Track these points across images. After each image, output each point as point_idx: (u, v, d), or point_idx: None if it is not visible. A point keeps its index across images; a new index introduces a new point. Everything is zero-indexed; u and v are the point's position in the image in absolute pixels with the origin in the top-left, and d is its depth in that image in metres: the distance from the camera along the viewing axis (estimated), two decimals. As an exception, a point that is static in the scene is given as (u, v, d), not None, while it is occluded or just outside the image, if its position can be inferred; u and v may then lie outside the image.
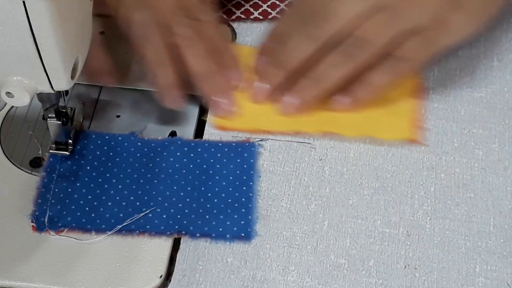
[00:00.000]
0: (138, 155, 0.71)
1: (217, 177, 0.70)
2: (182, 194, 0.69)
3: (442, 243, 0.68)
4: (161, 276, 0.65)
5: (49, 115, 0.69)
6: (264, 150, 0.73)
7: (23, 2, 0.56)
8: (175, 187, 0.70)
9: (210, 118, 0.75)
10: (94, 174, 0.70)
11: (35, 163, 0.72)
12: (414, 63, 0.73)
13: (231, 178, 0.70)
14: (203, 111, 0.76)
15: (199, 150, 0.72)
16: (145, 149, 0.72)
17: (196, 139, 0.73)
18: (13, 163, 0.72)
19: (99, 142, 0.72)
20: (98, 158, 0.71)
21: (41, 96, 0.67)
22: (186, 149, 0.72)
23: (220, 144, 0.72)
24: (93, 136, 0.72)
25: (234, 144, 0.72)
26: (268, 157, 0.73)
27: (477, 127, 0.75)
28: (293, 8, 0.76)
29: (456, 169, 0.72)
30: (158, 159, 0.71)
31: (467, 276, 0.66)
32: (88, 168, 0.70)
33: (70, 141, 0.71)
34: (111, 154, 0.71)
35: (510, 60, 0.80)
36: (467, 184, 0.71)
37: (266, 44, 0.77)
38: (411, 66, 0.73)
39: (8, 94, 0.62)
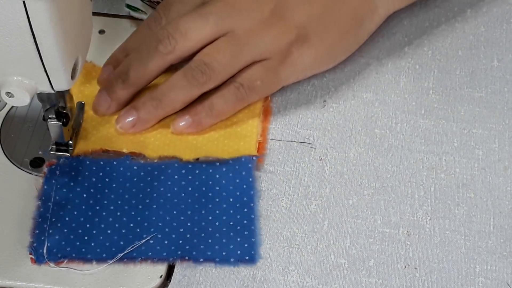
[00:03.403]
0: (135, 179, 0.69)
1: (217, 200, 0.69)
2: (182, 218, 0.67)
3: (442, 243, 0.68)
4: (161, 276, 0.65)
5: (50, 116, 0.69)
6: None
7: (23, 2, 0.56)
8: (175, 212, 0.68)
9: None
10: (91, 201, 0.68)
11: (35, 163, 0.71)
12: (258, 91, 0.73)
13: (231, 200, 0.69)
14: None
15: (197, 172, 0.70)
16: (142, 173, 0.70)
17: (194, 161, 0.71)
18: (13, 163, 0.72)
19: (94, 168, 0.70)
20: (94, 185, 0.69)
21: (41, 96, 0.67)
22: (183, 171, 0.70)
23: (218, 164, 0.70)
24: (87, 162, 0.70)
25: (231, 162, 0.70)
26: (268, 157, 0.73)
27: (477, 127, 0.75)
28: (145, 23, 0.76)
29: (456, 169, 0.72)
30: (156, 183, 0.69)
31: (467, 276, 0.66)
32: (84, 195, 0.68)
33: (70, 142, 0.71)
34: (107, 180, 0.69)
35: (510, 60, 0.80)
36: (467, 184, 0.71)
37: (115, 55, 0.75)
38: (254, 94, 0.73)
39: (8, 94, 0.62)
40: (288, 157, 0.73)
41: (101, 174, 0.70)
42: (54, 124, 0.69)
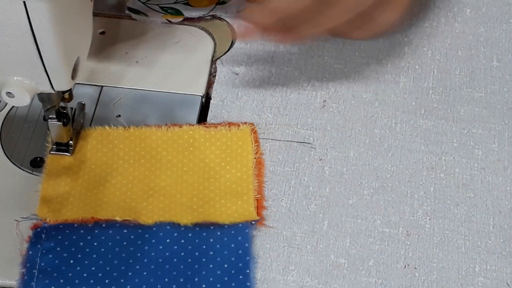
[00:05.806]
0: (125, 243, 0.66)
1: (211, 266, 0.65)
2: (174, 287, 0.64)
3: (441, 243, 0.68)
4: (161, 276, 0.65)
5: (50, 116, 0.69)
6: (264, 150, 0.73)
7: (24, 2, 0.56)
8: (166, 279, 0.64)
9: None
10: (78, 268, 0.64)
11: (35, 163, 0.72)
12: None
13: (226, 266, 0.65)
14: (204, 112, 0.77)
15: (190, 235, 0.67)
16: (132, 237, 0.66)
17: (187, 224, 0.68)
18: (13, 163, 0.72)
19: (82, 231, 0.66)
20: (82, 250, 0.65)
21: (41, 96, 0.67)
22: (176, 234, 0.66)
23: (212, 228, 0.67)
24: (75, 225, 0.67)
25: (227, 227, 0.67)
26: (268, 157, 0.73)
27: (477, 127, 0.75)
28: None
29: (455, 169, 0.72)
30: (147, 247, 0.65)
31: (466, 276, 0.66)
32: (71, 261, 0.64)
33: (71, 142, 0.71)
34: (95, 244, 0.65)
35: (509, 60, 0.80)
36: (467, 184, 0.71)
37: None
38: None
39: (9, 94, 0.62)
40: (288, 157, 0.73)
41: (89, 237, 0.66)
42: (54, 124, 0.69)
